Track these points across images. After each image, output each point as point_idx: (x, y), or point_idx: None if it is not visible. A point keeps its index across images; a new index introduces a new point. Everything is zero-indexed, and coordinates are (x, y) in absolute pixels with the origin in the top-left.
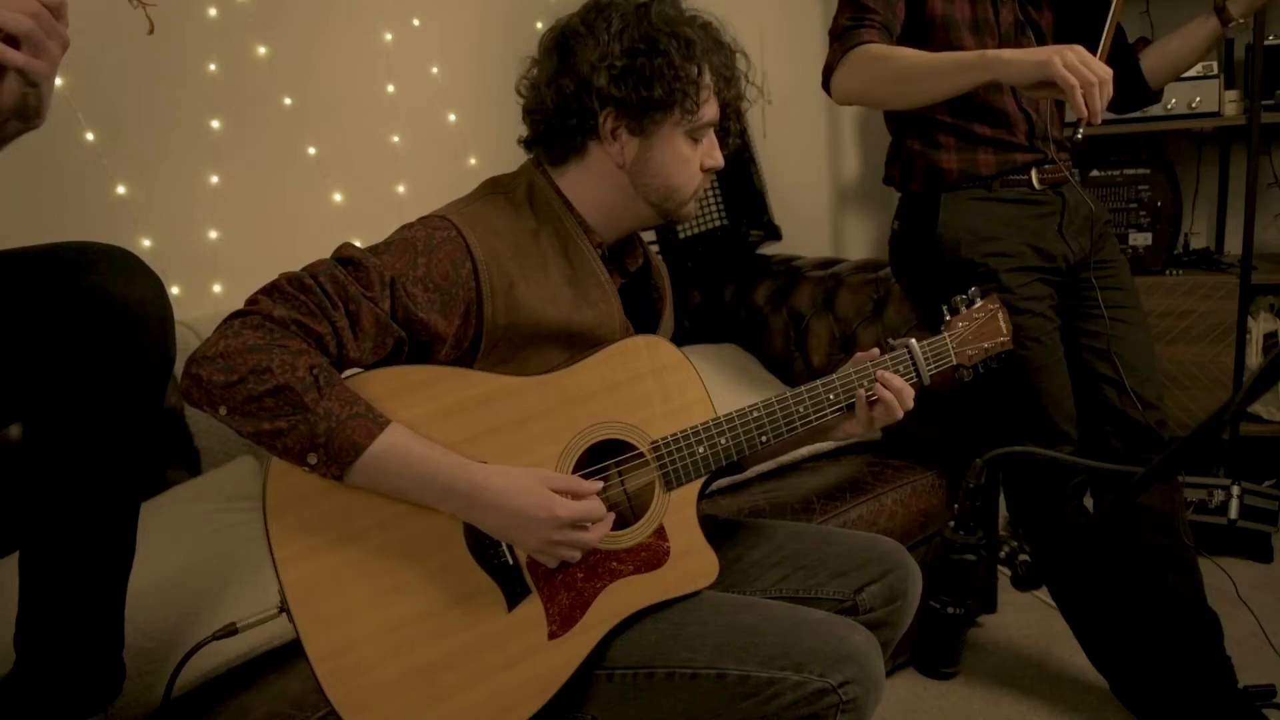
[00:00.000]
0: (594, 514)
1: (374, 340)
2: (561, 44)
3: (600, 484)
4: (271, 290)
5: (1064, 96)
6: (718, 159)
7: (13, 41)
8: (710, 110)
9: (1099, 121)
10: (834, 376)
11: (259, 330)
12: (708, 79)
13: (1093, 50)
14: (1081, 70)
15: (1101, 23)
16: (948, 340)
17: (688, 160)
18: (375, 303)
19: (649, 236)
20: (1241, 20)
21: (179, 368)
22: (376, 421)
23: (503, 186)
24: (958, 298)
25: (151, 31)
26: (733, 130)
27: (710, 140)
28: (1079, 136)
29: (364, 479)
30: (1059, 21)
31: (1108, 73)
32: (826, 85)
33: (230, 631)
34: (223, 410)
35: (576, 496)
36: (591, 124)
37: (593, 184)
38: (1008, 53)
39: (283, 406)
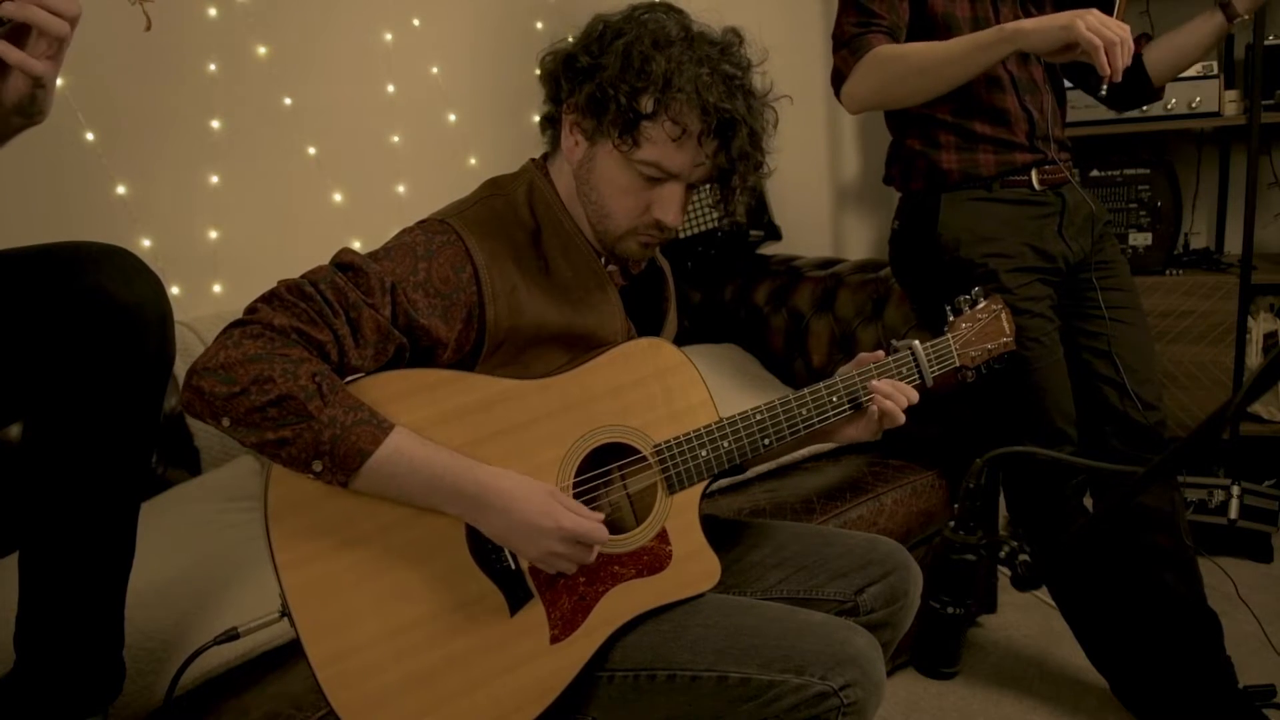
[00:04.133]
0: (596, 535)
1: (375, 346)
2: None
3: (601, 515)
4: (271, 298)
5: (1087, 57)
6: (668, 215)
7: (15, 36)
8: (661, 155)
9: (1119, 79)
10: (836, 379)
11: (259, 340)
12: (664, 123)
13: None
14: (1104, 30)
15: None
16: (951, 341)
17: (627, 193)
18: (376, 309)
19: None
20: (1246, 16)
21: (179, 370)
22: (381, 426)
23: (503, 188)
24: (961, 298)
25: (149, 28)
26: (718, 201)
27: (672, 190)
28: (1104, 91)
29: (370, 484)
30: None
31: (1127, 30)
32: (838, 93)
33: (232, 636)
34: (226, 422)
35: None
36: (557, 112)
37: (564, 180)
38: (1028, 22)
39: (286, 416)
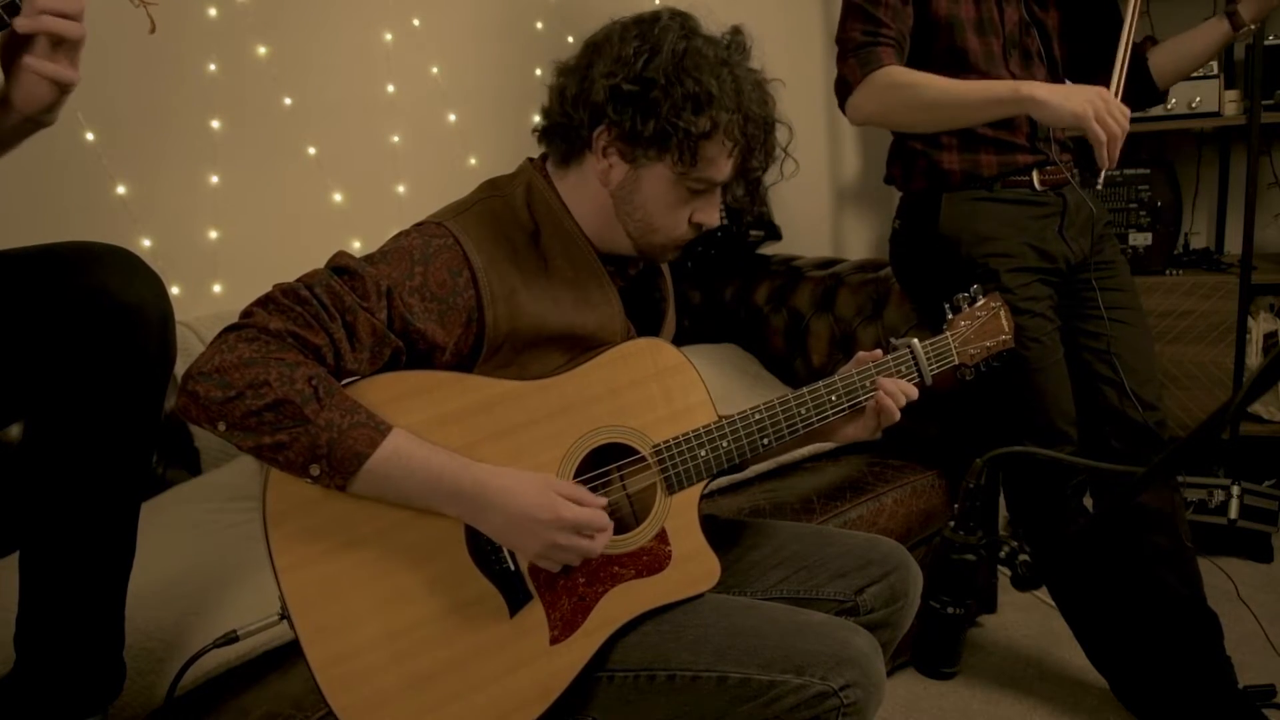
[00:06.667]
0: (598, 522)
1: (371, 350)
2: (592, 45)
3: (604, 500)
4: (266, 302)
5: (1091, 143)
6: (711, 218)
7: (18, 47)
8: (713, 170)
9: (1114, 169)
10: (835, 378)
11: (254, 343)
12: (720, 140)
13: (1106, 70)
14: (1111, 125)
15: (1106, 25)
16: (950, 339)
17: (675, 208)
18: (372, 313)
19: None
20: (1253, 25)
21: (178, 371)
22: (378, 429)
23: (501, 189)
24: (960, 296)
25: (153, 30)
26: (742, 198)
27: (712, 198)
28: (1099, 185)
29: (368, 487)
30: (1064, 20)
31: (1127, 120)
32: (842, 104)
33: (231, 639)
34: (221, 426)
35: (581, 504)
36: (586, 134)
37: (585, 195)
38: (1041, 91)
39: (283, 420)
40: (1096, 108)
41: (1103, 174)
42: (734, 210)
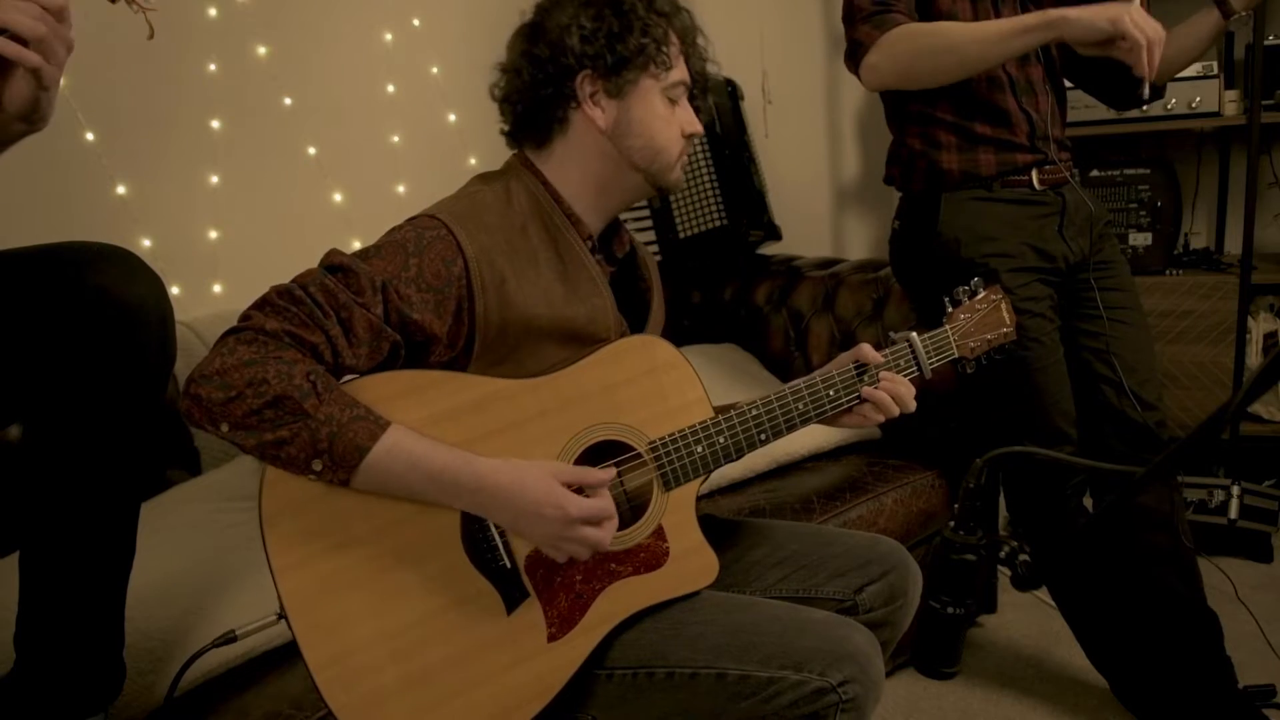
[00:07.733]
0: (605, 511)
1: (369, 346)
2: (529, 23)
3: (614, 472)
4: (262, 304)
5: (1125, 54)
6: (696, 125)
7: (21, 42)
8: (680, 71)
9: (1155, 78)
10: (834, 373)
11: (253, 345)
12: (674, 39)
13: (1105, 70)
14: (1147, 28)
15: None
16: (949, 332)
17: (667, 120)
18: (367, 308)
19: (649, 239)
20: (1243, 13)
21: (179, 370)
22: (378, 423)
23: (490, 183)
24: (960, 289)
25: (151, 36)
26: (701, 105)
27: (686, 106)
28: (1145, 94)
29: (369, 482)
30: None
31: (1162, 30)
32: (856, 69)
33: (229, 639)
34: (224, 427)
35: (585, 487)
36: (569, 90)
37: (579, 158)
38: (1074, 11)
39: (283, 416)
40: (1131, 12)
41: (1146, 85)
42: (733, 208)
